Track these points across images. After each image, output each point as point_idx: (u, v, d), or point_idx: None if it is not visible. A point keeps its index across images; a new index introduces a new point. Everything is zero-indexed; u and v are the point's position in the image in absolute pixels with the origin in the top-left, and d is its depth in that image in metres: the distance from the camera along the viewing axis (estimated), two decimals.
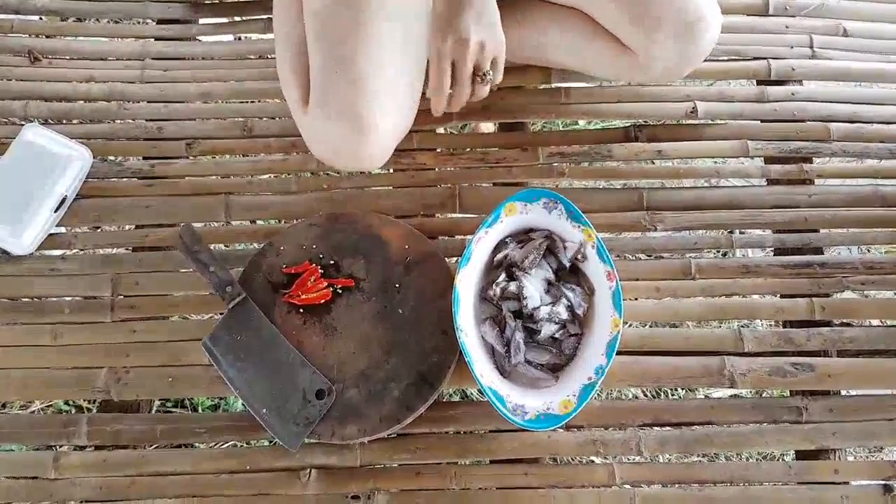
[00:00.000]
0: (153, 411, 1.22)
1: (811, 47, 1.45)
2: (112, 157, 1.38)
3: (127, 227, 1.33)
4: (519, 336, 1.16)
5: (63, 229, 1.32)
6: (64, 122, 1.42)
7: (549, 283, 1.19)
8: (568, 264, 1.19)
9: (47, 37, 1.54)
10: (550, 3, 1.29)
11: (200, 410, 1.52)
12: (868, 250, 1.48)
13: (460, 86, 1.14)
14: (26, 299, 1.26)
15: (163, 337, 1.22)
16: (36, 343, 1.22)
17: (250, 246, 1.27)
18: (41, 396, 1.23)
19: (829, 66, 1.43)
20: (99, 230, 1.33)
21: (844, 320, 1.22)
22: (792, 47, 1.45)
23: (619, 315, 1.13)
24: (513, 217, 1.20)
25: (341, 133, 1.17)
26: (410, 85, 1.22)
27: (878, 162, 1.35)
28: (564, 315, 1.16)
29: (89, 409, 1.29)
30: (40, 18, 1.58)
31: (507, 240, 1.21)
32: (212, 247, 1.29)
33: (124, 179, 1.35)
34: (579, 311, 1.17)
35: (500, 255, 1.20)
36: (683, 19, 1.17)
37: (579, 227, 1.18)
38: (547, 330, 1.16)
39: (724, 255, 1.28)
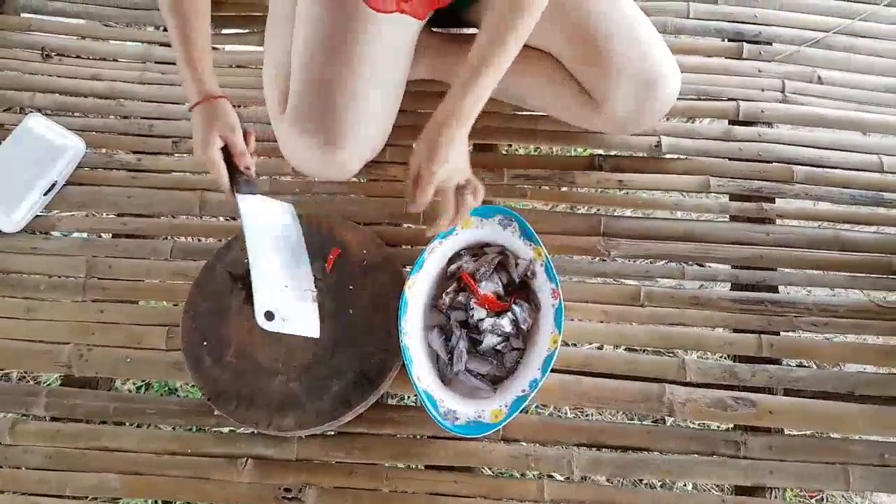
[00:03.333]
0: (111, 390, 1.21)
1: (783, 91, 1.41)
2: (104, 150, 1.40)
3: (108, 215, 1.34)
4: (462, 345, 1.13)
5: (50, 212, 1.33)
6: (65, 114, 1.44)
7: (498, 296, 1.16)
8: (518, 280, 1.16)
9: (64, 36, 1.57)
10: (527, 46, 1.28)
11: (153, 393, 1.50)
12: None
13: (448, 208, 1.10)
14: (6, 274, 1.27)
15: (128, 320, 1.22)
16: (9, 315, 1.23)
17: (219, 241, 1.28)
18: (7, 366, 1.24)
19: (798, 111, 1.39)
20: (83, 216, 1.35)
21: (795, 360, 1.17)
22: (763, 90, 1.41)
23: (558, 332, 1.10)
24: (468, 231, 1.18)
25: (312, 146, 1.20)
26: (386, 110, 1.24)
27: (841, 207, 1.30)
28: (508, 328, 1.12)
29: (49, 384, 1.30)
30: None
31: (461, 252, 1.19)
32: (182, 239, 1.31)
33: (112, 171, 1.37)
34: (524, 326, 1.13)
35: (453, 267, 1.18)
36: (643, 75, 1.17)
37: (531, 244, 1.15)
38: (489, 341, 1.12)
39: (676, 285, 1.24)
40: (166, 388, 1.46)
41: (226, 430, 1.15)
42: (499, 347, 1.13)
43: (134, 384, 1.48)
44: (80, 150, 1.36)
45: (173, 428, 1.21)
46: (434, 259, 1.17)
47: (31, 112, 1.39)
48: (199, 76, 1.11)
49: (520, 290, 1.17)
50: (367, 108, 1.20)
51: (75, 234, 1.32)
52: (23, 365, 1.24)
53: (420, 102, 1.32)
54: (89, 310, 1.23)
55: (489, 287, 1.15)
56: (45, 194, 1.31)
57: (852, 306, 1.20)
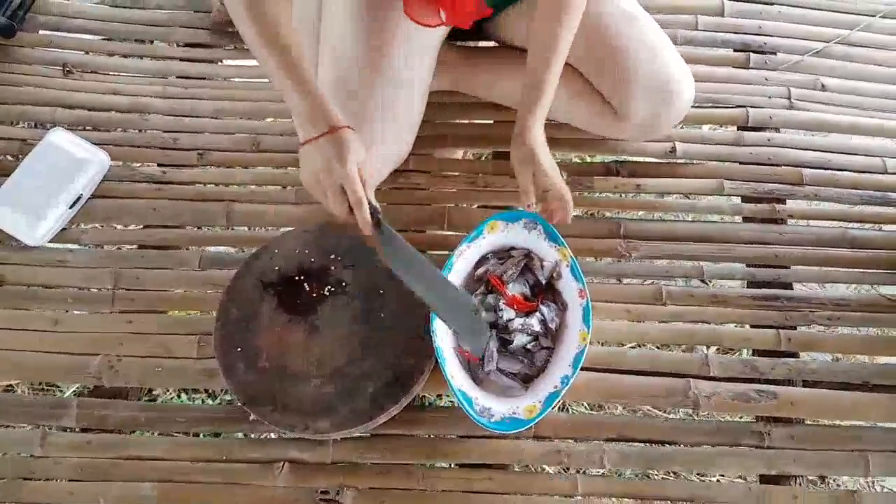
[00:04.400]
0: (141, 399, 1.21)
1: (789, 98, 1.45)
2: (128, 163, 1.40)
3: (134, 227, 1.34)
4: (493, 345, 1.13)
5: (76, 225, 1.33)
6: (87, 128, 1.44)
7: (526, 297, 1.18)
8: (544, 281, 1.17)
9: (84, 52, 1.57)
10: None
11: (184, 401, 1.50)
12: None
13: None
14: (33, 287, 1.26)
15: (157, 330, 1.21)
16: (37, 328, 1.22)
17: (248, 250, 1.28)
18: (36, 378, 1.23)
19: (804, 117, 1.43)
20: (109, 228, 1.35)
21: (812, 353, 1.20)
22: (770, 98, 1.45)
23: (587, 329, 1.11)
24: (494, 235, 1.19)
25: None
26: (411, 119, 1.26)
27: (849, 207, 1.33)
28: (537, 327, 1.14)
29: (80, 394, 1.29)
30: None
31: (488, 256, 1.21)
32: (211, 249, 1.31)
33: (137, 183, 1.37)
34: (552, 325, 1.14)
35: (480, 270, 1.19)
36: (660, 85, 1.20)
37: (555, 247, 1.17)
38: (519, 340, 1.14)
39: (696, 284, 1.27)
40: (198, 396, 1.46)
41: (259, 435, 1.15)
42: (529, 346, 1.14)
43: (166, 392, 1.47)
44: (104, 164, 1.35)
45: (205, 435, 1.20)
46: (462, 262, 1.17)
47: (54, 127, 1.39)
48: (322, 106, 1.00)
49: (546, 291, 1.18)
50: (395, 117, 1.21)
51: (101, 247, 1.32)
52: (52, 377, 1.23)
53: (440, 113, 1.33)
54: (118, 321, 1.22)
55: (516, 289, 1.17)
56: (70, 207, 1.30)
57: (863, 301, 1.23)
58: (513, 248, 1.21)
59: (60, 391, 1.43)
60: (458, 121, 1.43)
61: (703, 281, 1.27)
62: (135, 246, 1.32)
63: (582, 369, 1.12)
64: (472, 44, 1.44)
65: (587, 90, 1.28)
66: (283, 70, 1.00)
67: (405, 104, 1.22)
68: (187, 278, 1.26)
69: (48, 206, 1.29)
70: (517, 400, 1.10)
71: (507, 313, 1.14)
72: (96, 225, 1.34)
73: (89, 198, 1.34)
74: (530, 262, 1.18)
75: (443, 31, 1.27)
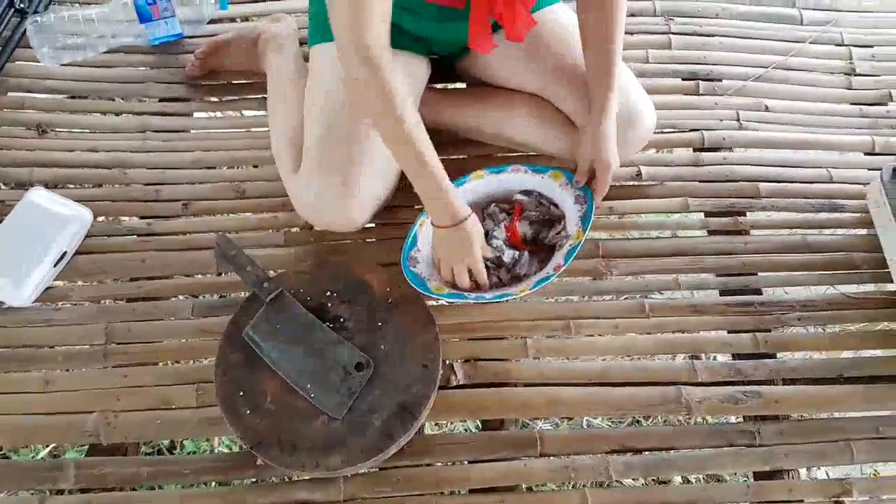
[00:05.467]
0: (140, 454, 1.15)
1: (738, 120, 1.50)
2: (111, 217, 1.35)
3: (122, 281, 1.29)
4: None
5: (61, 283, 1.27)
6: (68, 186, 1.39)
7: (524, 237, 1.26)
8: (547, 242, 1.26)
9: (59, 112, 1.52)
10: (513, 90, 1.35)
11: (186, 453, 1.43)
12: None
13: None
14: (22, 349, 1.19)
15: (153, 381, 1.16)
16: (28, 390, 1.15)
17: (241, 295, 1.24)
18: (29, 441, 1.15)
19: (754, 136, 1.48)
20: (96, 283, 1.29)
21: (788, 352, 1.23)
22: (721, 120, 1.50)
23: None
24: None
25: (328, 199, 1.21)
26: (394, 163, 1.25)
27: (804, 215, 1.38)
28: (506, 259, 1.23)
29: (78, 454, 1.22)
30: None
31: (534, 192, 1.30)
32: (202, 297, 1.27)
33: (122, 237, 1.32)
34: (517, 270, 1.23)
35: (520, 196, 1.30)
36: (624, 114, 1.25)
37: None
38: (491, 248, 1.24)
39: (674, 296, 1.29)
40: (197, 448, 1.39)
41: (270, 478, 1.09)
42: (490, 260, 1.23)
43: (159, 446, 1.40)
44: (86, 220, 1.30)
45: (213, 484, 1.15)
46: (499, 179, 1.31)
47: (33, 186, 1.33)
48: (454, 202, 1.14)
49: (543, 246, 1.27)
50: (381, 163, 1.22)
51: (89, 303, 1.26)
52: (46, 439, 1.15)
53: None
54: (112, 376, 1.16)
55: (523, 226, 1.25)
56: (55, 265, 1.24)
57: (828, 300, 1.27)
58: (545, 199, 1.30)
59: (55, 454, 1.35)
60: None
61: (679, 292, 1.29)
62: (124, 300, 1.26)
63: (577, 384, 1.15)
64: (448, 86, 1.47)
65: (558, 118, 1.32)
66: (419, 165, 1.10)
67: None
68: (181, 328, 1.22)
69: (32, 266, 1.23)
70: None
71: (500, 232, 1.25)
72: (83, 281, 1.28)
73: (74, 254, 1.28)
74: (553, 224, 1.27)
75: (425, 76, 1.30)
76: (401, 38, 1.18)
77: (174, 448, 1.43)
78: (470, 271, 1.18)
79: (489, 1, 1.14)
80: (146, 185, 1.39)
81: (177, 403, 1.14)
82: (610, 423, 1.34)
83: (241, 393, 1.10)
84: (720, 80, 1.57)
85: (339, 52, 1.04)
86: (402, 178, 1.29)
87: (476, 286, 1.21)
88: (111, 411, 1.12)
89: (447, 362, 1.17)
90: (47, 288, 1.25)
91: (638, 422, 1.30)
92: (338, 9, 1.01)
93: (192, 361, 1.21)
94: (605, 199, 1.27)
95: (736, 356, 1.23)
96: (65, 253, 1.26)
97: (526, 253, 1.23)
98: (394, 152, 1.13)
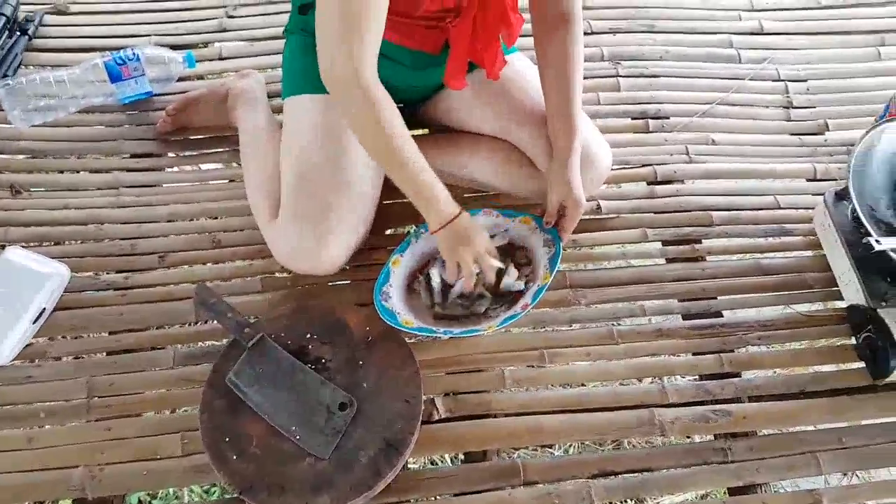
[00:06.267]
0: None
1: (687, 154, 1.55)
2: (89, 273, 1.33)
3: (101, 335, 1.27)
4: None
5: (41, 339, 1.24)
6: (44, 244, 1.37)
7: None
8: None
9: (28, 172, 1.50)
10: (476, 133, 1.39)
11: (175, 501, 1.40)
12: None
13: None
14: (3, 407, 1.16)
15: (137, 433, 1.14)
16: (11, 448, 1.12)
17: (221, 342, 1.23)
18: (14, 500, 1.11)
19: (704, 168, 1.53)
20: (75, 339, 1.27)
21: (751, 371, 1.26)
22: (671, 155, 1.55)
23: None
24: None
25: (305, 244, 1.22)
26: (369, 207, 1.29)
27: (755, 240, 1.42)
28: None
29: None
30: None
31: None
32: (182, 346, 1.26)
33: (101, 292, 1.30)
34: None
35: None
36: (583, 154, 1.27)
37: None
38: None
39: (640, 322, 1.32)
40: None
41: None
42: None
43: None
44: (64, 276, 1.28)
45: None
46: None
47: (9, 245, 1.31)
48: (444, 202, 1.15)
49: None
50: (356, 203, 1.24)
51: (69, 358, 1.23)
52: (32, 496, 1.10)
53: (392, 193, 1.33)
54: (96, 429, 1.14)
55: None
56: (33, 323, 1.22)
57: (784, 319, 1.31)
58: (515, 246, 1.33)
59: None
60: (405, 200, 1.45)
61: (645, 318, 1.31)
62: (104, 353, 1.24)
63: (556, 412, 1.16)
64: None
65: (522, 160, 1.35)
66: (415, 175, 1.13)
67: (364, 195, 1.26)
68: (163, 378, 1.20)
69: (11, 324, 1.20)
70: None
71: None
72: (62, 337, 1.26)
73: (52, 311, 1.26)
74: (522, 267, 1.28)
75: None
76: None
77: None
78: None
79: (470, 42, 1.19)
80: (122, 239, 1.37)
81: (162, 453, 1.12)
82: (589, 448, 1.35)
83: (227, 439, 1.08)
84: (668, 117, 1.62)
85: (335, 84, 1.07)
86: (376, 220, 1.32)
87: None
88: (96, 465, 1.10)
89: (428, 397, 1.17)
90: (27, 345, 1.22)
91: (617, 445, 1.31)
92: (334, 46, 1.04)
93: (175, 410, 1.18)
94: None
95: (703, 377, 1.25)
96: (43, 310, 1.24)
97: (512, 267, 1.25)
98: (386, 167, 1.16)
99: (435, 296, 1.25)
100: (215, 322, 1.20)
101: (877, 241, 1.16)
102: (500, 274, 1.23)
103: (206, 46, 1.75)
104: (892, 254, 1.17)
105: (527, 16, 1.26)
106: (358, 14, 1.01)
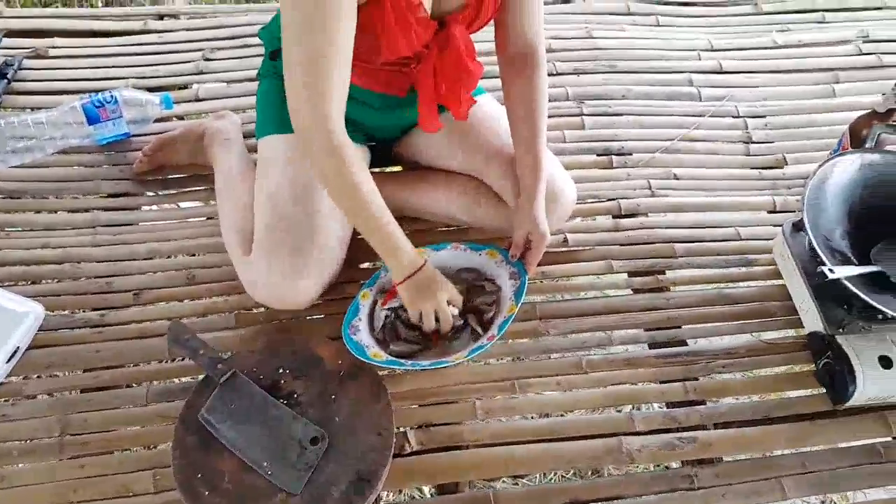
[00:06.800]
0: None
1: (650, 188, 1.58)
2: (64, 311, 1.33)
3: (76, 373, 1.26)
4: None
5: (14, 378, 1.23)
6: (20, 283, 1.37)
7: None
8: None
9: (6, 212, 1.50)
10: (447, 171, 1.42)
11: None
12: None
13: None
14: None
15: (111, 470, 1.13)
16: None
17: (195, 379, 1.23)
18: None
19: (666, 202, 1.56)
20: (50, 377, 1.26)
21: (716, 398, 1.27)
22: (635, 189, 1.58)
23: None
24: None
25: (279, 279, 1.24)
26: (341, 242, 1.30)
27: (718, 270, 1.44)
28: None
29: None
30: None
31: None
32: (156, 383, 1.25)
33: (76, 330, 1.30)
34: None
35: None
36: (548, 192, 1.30)
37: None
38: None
39: (608, 351, 1.33)
40: None
41: None
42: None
43: None
44: (39, 315, 1.28)
45: None
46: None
47: None
48: (409, 254, 1.18)
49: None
50: (328, 239, 1.25)
51: (44, 396, 1.22)
52: None
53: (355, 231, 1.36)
54: (69, 467, 1.13)
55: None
56: (7, 362, 1.21)
57: (748, 347, 1.32)
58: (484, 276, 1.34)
59: None
60: None
61: (613, 348, 1.33)
62: (78, 391, 1.23)
63: (528, 442, 1.17)
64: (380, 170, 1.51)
65: (490, 196, 1.38)
66: (380, 227, 1.15)
67: (336, 230, 1.28)
68: (137, 415, 1.20)
69: None
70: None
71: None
72: (36, 375, 1.25)
73: (27, 349, 1.25)
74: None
75: (365, 162, 1.35)
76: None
77: None
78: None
79: (434, 86, 1.22)
80: (98, 277, 1.38)
81: (135, 490, 1.11)
82: (567, 478, 1.35)
83: (200, 475, 1.08)
84: (631, 153, 1.65)
85: (301, 133, 1.08)
86: (350, 254, 1.33)
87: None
88: (69, 503, 1.08)
89: (400, 429, 1.17)
90: (0, 384, 1.21)
91: (595, 472, 1.32)
92: (299, 96, 1.05)
93: (148, 447, 1.17)
94: (538, 264, 1.32)
95: (669, 405, 1.26)
96: (17, 349, 1.23)
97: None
98: (352, 217, 1.18)
99: (386, 332, 1.27)
100: (189, 359, 1.20)
101: (830, 270, 1.19)
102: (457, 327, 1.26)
103: (183, 88, 1.77)
104: (845, 282, 1.20)
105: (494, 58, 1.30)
106: (323, 69, 1.03)
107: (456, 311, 1.24)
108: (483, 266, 1.33)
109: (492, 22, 1.26)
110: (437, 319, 1.22)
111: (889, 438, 1.22)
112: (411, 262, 1.19)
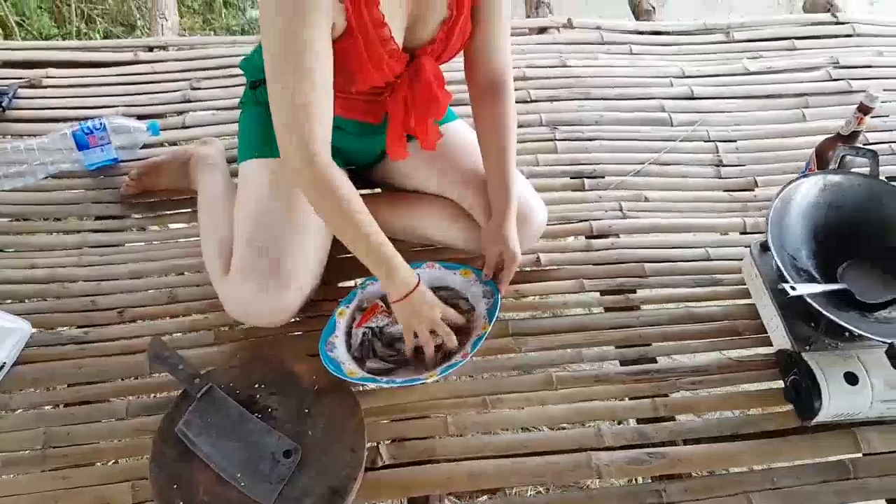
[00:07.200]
0: None
1: (621, 210, 1.61)
2: (51, 329, 1.36)
3: (60, 388, 1.29)
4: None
5: (1, 393, 1.26)
6: (7, 301, 1.40)
7: None
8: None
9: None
10: (423, 193, 1.46)
11: None
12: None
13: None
14: None
15: (91, 482, 1.15)
16: None
17: (174, 394, 1.26)
18: None
19: (637, 223, 1.59)
20: (35, 392, 1.29)
21: (685, 415, 1.29)
22: (606, 211, 1.61)
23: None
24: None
25: (257, 295, 1.27)
26: (319, 259, 1.34)
27: (687, 289, 1.47)
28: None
29: None
30: None
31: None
32: (135, 398, 1.28)
33: (61, 346, 1.33)
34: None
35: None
36: (519, 213, 1.34)
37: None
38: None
39: (579, 368, 1.35)
40: None
41: None
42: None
43: None
44: (26, 332, 1.31)
45: None
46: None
47: None
48: (404, 273, 1.20)
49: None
50: (307, 260, 1.30)
51: (29, 410, 1.25)
52: None
53: (342, 249, 1.38)
54: (51, 479, 1.15)
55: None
56: None
57: (716, 365, 1.35)
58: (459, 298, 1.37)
59: None
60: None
61: (583, 364, 1.35)
62: (62, 405, 1.26)
63: (499, 457, 1.19)
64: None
65: (464, 217, 1.42)
66: (370, 245, 1.18)
67: (314, 248, 1.32)
68: (118, 428, 1.23)
69: None
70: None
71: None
72: (22, 390, 1.28)
73: (13, 365, 1.28)
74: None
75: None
76: None
77: None
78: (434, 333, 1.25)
79: (403, 118, 1.27)
80: (83, 296, 1.41)
81: (114, 501, 1.13)
82: (531, 494, 1.37)
83: (176, 486, 1.10)
84: (603, 176, 1.70)
85: (288, 160, 1.13)
86: (329, 273, 1.37)
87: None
88: None
89: (373, 444, 1.19)
90: None
91: (564, 488, 1.33)
92: (285, 131, 1.11)
93: (127, 459, 1.20)
94: (511, 283, 1.36)
95: (639, 421, 1.28)
96: (3, 364, 1.27)
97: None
98: (343, 238, 1.20)
99: (363, 350, 1.29)
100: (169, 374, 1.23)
101: (791, 287, 1.22)
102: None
103: (170, 116, 1.82)
104: (808, 299, 1.23)
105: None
106: (306, 102, 1.08)
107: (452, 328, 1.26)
108: (457, 285, 1.37)
109: (462, 52, 1.31)
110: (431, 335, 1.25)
111: (858, 455, 1.23)
112: (407, 280, 1.21)
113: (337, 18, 1.09)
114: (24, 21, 2.86)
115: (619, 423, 1.30)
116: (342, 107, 1.27)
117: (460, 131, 1.45)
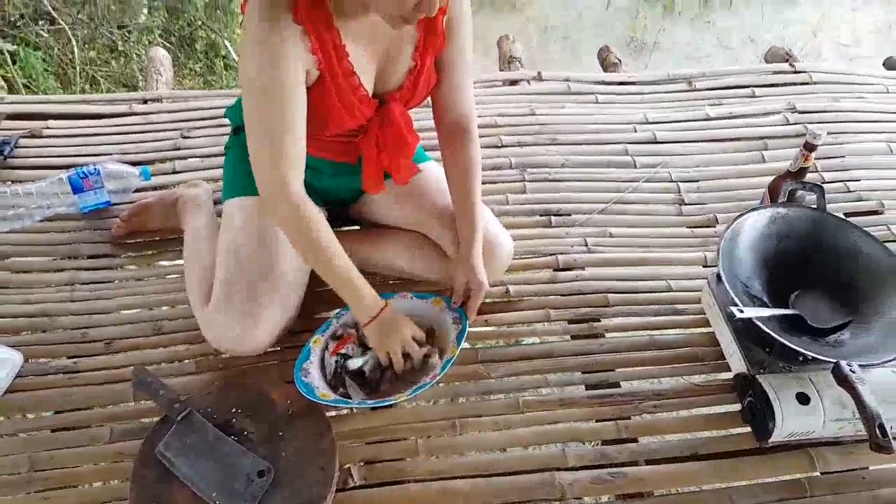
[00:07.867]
0: None
1: (586, 245, 1.68)
2: (41, 359, 1.41)
3: (47, 414, 1.34)
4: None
5: None
6: (2, 334, 1.45)
7: None
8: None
9: None
10: (393, 227, 1.54)
11: None
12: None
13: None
14: None
15: (73, 503, 1.19)
16: None
17: (156, 419, 1.30)
18: None
19: (601, 257, 1.66)
20: (23, 419, 1.33)
21: (647, 436, 1.33)
22: (572, 246, 1.68)
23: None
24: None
25: (233, 327, 1.33)
26: (295, 293, 1.40)
27: (649, 318, 1.53)
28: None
29: None
30: None
31: None
32: (120, 423, 1.32)
33: (50, 375, 1.38)
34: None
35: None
36: (486, 244, 1.42)
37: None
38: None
39: (545, 392, 1.40)
40: None
41: None
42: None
43: None
44: (17, 362, 1.37)
45: None
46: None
47: None
48: (373, 298, 1.30)
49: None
50: (284, 289, 1.36)
51: (16, 436, 1.29)
52: None
53: (321, 284, 1.42)
54: (34, 500, 1.19)
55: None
56: None
57: (677, 389, 1.40)
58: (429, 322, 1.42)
59: None
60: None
61: (549, 389, 1.40)
62: (48, 430, 1.31)
63: (470, 477, 1.23)
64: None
65: (435, 250, 1.49)
66: (341, 273, 1.27)
67: (290, 283, 1.38)
68: (101, 452, 1.27)
69: None
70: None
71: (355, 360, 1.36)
72: (10, 417, 1.32)
73: (4, 393, 1.33)
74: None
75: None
76: None
77: None
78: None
79: (377, 156, 1.36)
80: (73, 329, 1.47)
81: None
82: None
83: None
84: (569, 214, 1.77)
85: (266, 200, 1.23)
86: (306, 304, 1.43)
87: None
88: None
89: (345, 466, 1.24)
90: None
91: None
92: (261, 171, 1.20)
93: (109, 482, 1.24)
94: (481, 313, 1.43)
95: (603, 442, 1.33)
96: None
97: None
98: (316, 269, 1.30)
99: (336, 377, 1.34)
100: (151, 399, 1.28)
101: (739, 310, 1.28)
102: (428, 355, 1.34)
103: (162, 163, 1.89)
104: (758, 322, 1.29)
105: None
106: (280, 142, 1.18)
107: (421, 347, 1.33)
108: (428, 313, 1.42)
109: (429, 99, 1.40)
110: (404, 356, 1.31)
111: (815, 473, 1.28)
112: (374, 304, 1.30)
113: (310, 67, 1.18)
114: (30, 83, 2.95)
115: (585, 443, 1.35)
116: (319, 149, 1.36)
117: (433, 171, 1.53)
